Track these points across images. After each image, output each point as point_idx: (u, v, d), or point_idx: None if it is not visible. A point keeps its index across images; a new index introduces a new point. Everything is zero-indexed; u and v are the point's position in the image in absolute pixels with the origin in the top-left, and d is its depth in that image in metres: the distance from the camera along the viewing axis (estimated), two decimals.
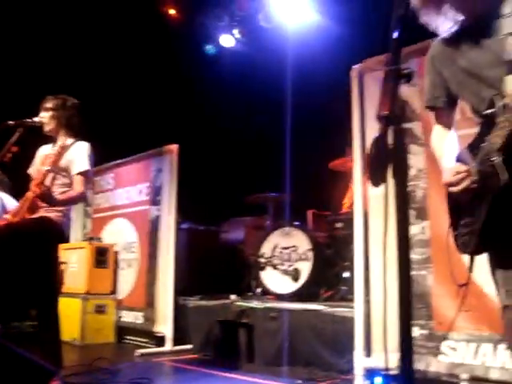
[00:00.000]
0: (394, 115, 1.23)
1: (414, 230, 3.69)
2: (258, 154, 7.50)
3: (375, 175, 1.22)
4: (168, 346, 5.31)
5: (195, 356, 5.06)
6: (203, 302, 5.45)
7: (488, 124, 1.95)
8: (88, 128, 3.75)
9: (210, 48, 7.74)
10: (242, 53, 7.54)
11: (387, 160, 1.22)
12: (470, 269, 2.08)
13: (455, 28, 2.14)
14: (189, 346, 5.27)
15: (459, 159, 2.11)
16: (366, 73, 4.12)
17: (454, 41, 2.14)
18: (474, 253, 2.08)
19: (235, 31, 7.60)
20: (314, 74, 6.45)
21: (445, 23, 2.12)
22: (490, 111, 1.93)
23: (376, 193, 3.74)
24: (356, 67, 4.21)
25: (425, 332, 3.60)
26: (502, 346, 3.21)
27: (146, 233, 6.01)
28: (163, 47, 7.28)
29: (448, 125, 2.30)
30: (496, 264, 2.07)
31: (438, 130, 2.33)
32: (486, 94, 2.01)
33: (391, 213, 1.29)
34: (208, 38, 7.78)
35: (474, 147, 2.05)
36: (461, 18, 2.10)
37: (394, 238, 1.30)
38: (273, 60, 6.80)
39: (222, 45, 7.77)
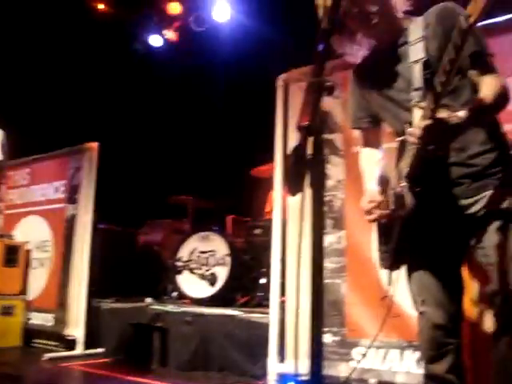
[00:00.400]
0: (314, 126, 1.26)
1: (331, 239, 3.78)
2: (181, 156, 7.44)
3: (293, 184, 1.24)
4: (79, 349, 5.14)
5: (106, 360, 4.92)
6: (118, 305, 5.32)
7: (403, 149, 2.02)
8: (4, 119, 3.58)
9: (138, 46, 7.58)
10: (170, 53, 7.46)
11: (305, 170, 1.24)
12: (389, 283, 2.20)
13: (372, 53, 2.21)
14: (100, 350, 5.13)
15: (379, 182, 2.22)
16: (292, 83, 4.19)
17: (372, 65, 2.22)
18: (391, 269, 2.21)
19: (165, 32, 7.51)
20: (241, 79, 6.49)
21: (359, 51, 2.19)
22: (401, 138, 2.02)
23: (294, 201, 3.81)
24: (282, 76, 4.27)
25: (337, 339, 3.69)
26: (408, 352, 3.35)
27: (61, 232, 5.82)
28: (89, 42, 7.08)
29: (374, 144, 2.37)
30: (415, 278, 2.16)
31: (363, 151, 2.40)
32: (405, 117, 2.06)
33: (307, 221, 1.31)
34: (137, 36, 7.64)
35: (395, 168, 2.13)
36: (377, 43, 2.17)
37: (309, 246, 1.32)
38: (201, 63, 6.78)
39: (151, 44, 7.65)
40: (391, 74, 2.11)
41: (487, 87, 1.80)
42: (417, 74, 1.98)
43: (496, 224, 1.91)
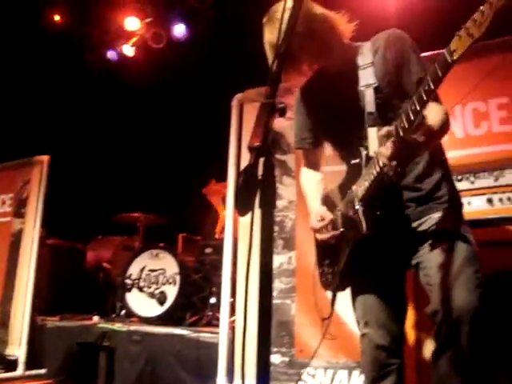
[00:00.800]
0: (265, 147, 1.27)
1: (282, 259, 3.80)
2: (134, 172, 7.35)
3: (243, 204, 1.24)
4: (20, 370, 4.95)
5: (49, 381, 4.75)
6: (63, 323, 5.16)
7: (355, 172, 2.07)
8: None
9: (92, 60, 7.46)
10: (126, 68, 7.38)
11: (255, 190, 1.25)
12: (333, 304, 2.24)
13: (319, 75, 2.25)
14: (43, 371, 4.95)
15: (324, 202, 2.26)
16: (247, 102, 4.23)
17: (319, 87, 2.26)
18: (335, 291, 2.24)
19: (122, 47, 7.43)
20: (198, 97, 6.50)
21: (303, 78, 2.27)
22: (356, 161, 2.06)
23: (246, 221, 3.82)
24: (237, 96, 4.30)
25: (286, 359, 3.69)
26: (356, 373, 3.38)
27: (7, 246, 5.63)
28: (42, 53, 6.95)
29: (315, 165, 2.43)
30: (358, 299, 2.21)
31: (305, 172, 2.44)
32: (344, 141, 2.19)
33: (257, 242, 1.32)
34: (93, 50, 7.54)
35: (342, 190, 2.19)
36: (322, 68, 2.22)
37: (258, 266, 1.33)
38: (157, 80, 6.75)
39: (108, 58, 7.55)
40: (339, 97, 2.15)
41: (434, 114, 1.86)
42: (368, 98, 2.04)
43: (439, 245, 1.97)
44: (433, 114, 1.84)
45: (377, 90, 2.04)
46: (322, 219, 2.15)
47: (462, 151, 3.41)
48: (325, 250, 2.23)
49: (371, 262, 2.09)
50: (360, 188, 2.00)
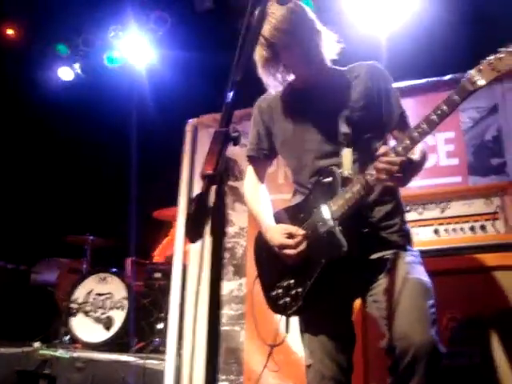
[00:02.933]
0: (218, 175, 1.27)
1: (232, 286, 3.79)
2: (82, 194, 7.20)
3: (193, 231, 1.23)
4: None
5: None
6: (1, 349, 4.94)
7: (322, 190, 2.06)
8: None
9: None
10: (79, 88, 7.27)
11: (206, 217, 1.24)
12: (287, 329, 2.13)
13: (290, 88, 2.26)
14: None
15: (279, 220, 2.20)
16: (201, 128, 4.23)
17: (288, 100, 2.25)
18: (293, 314, 2.12)
19: (76, 65, 7.32)
20: (151, 121, 6.45)
21: (279, 85, 2.23)
22: (328, 179, 2.05)
23: (195, 247, 3.78)
24: (191, 121, 4.30)
25: None
26: None
27: None
28: None
29: (262, 177, 2.39)
30: (306, 328, 2.18)
31: (254, 184, 2.37)
32: (308, 159, 2.15)
33: (206, 268, 1.30)
34: (45, 67, 7.39)
35: (300, 209, 2.14)
36: (295, 80, 2.24)
37: (207, 293, 1.31)
38: (111, 101, 6.67)
39: (60, 77, 7.41)
40: (311, 114, 2.16)
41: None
42: (343, 119, 2.08)
43: (394, 277, 1.96)
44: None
45: (352, 111, 2.09)
46: (291, 236, 2.06)
47: (411, 183, 3.50)
48: (282, 271, 2.12)
49: (328, 287, 2.05)
50: (335, 207, 1.98)
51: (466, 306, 2.65)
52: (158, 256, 5.85)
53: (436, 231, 3.04)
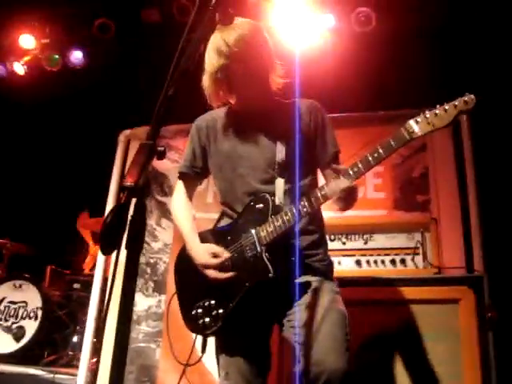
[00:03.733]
0: (139, 188, 1.24)
1: (151, 302, 3.72)
2: (4, 198, 6.88)
3: (108, 243, 1.20)
4: None
5: None
6: None
7: (253, 215, 2.10)
8: None
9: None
10: (16, 87, 7.00)
11: (123, 230, 1.21)
12: (203, 349, 2.13)
13: (231, 111, 2.31)
14: None
15: (204, 239, 2.20)
16: (134, 139, 4.17)
17: (227, 123, 2.28)
18: (211, 335, 2.12)
19: (14, 64, 7.05)
20: (85, 128, 6.29)
21: (221, 105, 2.29)
22: (260, 206, 2.08)
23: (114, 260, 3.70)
24: (124, 132, 4.24)
25: None
26: None
27: None
28: None
29: (191, 195, 2.39)
30: (222, 349, 2.15)
31: (181, 198, 2.36)
32: (239, 183, 2.17)
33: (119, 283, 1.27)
34: None
35: (228, 232, 2.16)
36: (238, 103, 2.27)
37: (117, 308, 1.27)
38: (45, 104, 6.47)
39: None
40: (248, 141, 2.20)
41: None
42: (280, 149, 2.14)
43: (312, 304, 2.00)
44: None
45: (289, 143, 2.14)
46: (216, 256, 2.08)
47: (338, 212, 3.57)
48: (202, 291, 2.12)
49: (249, 310, 2.06)
50: (264, 233, 2.03)
51: (379, 334, 2.71)
52: (91, 269, 5.66)
53: (358, 262, 3.11)
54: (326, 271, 2.15)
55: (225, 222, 2.27)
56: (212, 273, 2.06)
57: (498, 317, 2.68)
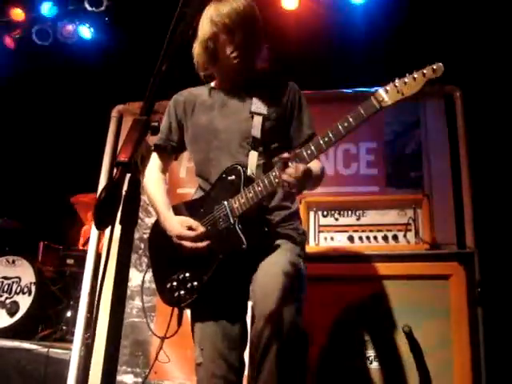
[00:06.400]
0: (133, 163, 1.24)
1: (145, 277, 3.72)
2: None
3: (102, 218, 1.20)
4: None
5: None
6: None
7: (225, 188, 2.10)
8: None
9: None
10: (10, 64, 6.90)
11: (117, 206, 1.21)
12: (179, 322, 2.14)
13: (211, 86, 2.35)
14: None
15: (178, 212, 2.21)
16: (127, 115, 4.15)
17: (206, 97, 2.32)
18: (187, 307, 2.15)
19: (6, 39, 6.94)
20: (78, 103, 6.23)
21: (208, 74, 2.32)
22: (232, 177, 2.09)
23: (107, 235, 3.71)
24: (117, 107, 4.21)
25: (139, 380, 3.60)
26: None
27: None
28: None
29: (165, 169, 2.40)
30: (197, 323, 2.16)
31: (154, 171, 2.36)
32: (215, 155, 2.20)
33: (114, 258, 1.27)
34: None
35: (201, 204, 2.18)
36: (220, 78, 2.32)
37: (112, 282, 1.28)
38: (36, 79, 6.39)
39: None
40: (223, 111, 2.24)
41: (313, 164, 2.00)
42: (256, 124, 2.16)
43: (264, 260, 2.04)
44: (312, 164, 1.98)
45: (265, 119, 2.17)
46: (191, 228, 2.09)
47: (330, 188, 3.59)
48: (176, 264, 2.13)
49: (224, 282, 2.08)
50: (236, 204, 2.03)
51: (373, 311, 2.75)
52: (84, 245, 5.67)
53: (350, 238, 3.13)
54: (297, 238, 2.17)
55: (198, 194, 2.29)
56: (187, 243, 2.07)
57: (488, 293, 2.72)
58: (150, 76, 1.44)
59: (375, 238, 3.10)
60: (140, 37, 5.29)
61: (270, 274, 1.99)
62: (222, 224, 2.06)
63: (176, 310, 2.15)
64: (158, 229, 2.24)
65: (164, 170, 2.39)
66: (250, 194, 2.00)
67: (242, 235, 2.00)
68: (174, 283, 2.12)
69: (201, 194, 2.26)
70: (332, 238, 3.13)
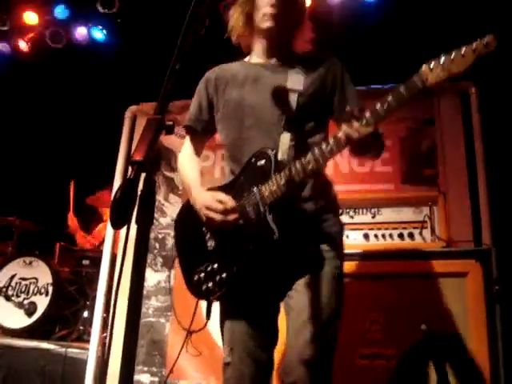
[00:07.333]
0: (148, 162, 1.24)
1: (160, 277, 3.76)
2: (15, 175, 6.92)
3: (117, 217, 1.20)
4: None
5: None
6: None
7: (256, 172, 1.96)
8: None
9: None
10: (21, 65, 6.96)
11: (133, 205, 1.21)
12: (208, 316, 2.00)
13: (244, 62, 2.23)
14: None
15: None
16: (140, 115, 4.16)
17: (238, 73, 2.17)
18: (216, 300, 2.01)
19: (16, 40, 7.00)
20: (92, 105, 6.28)
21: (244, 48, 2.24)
22: (263, 162, 1.94)
23: (123, 235, 3.72)
24: (131, 108, 4.23)
25: (155, 379, 3.61)
26: None
27: None
28: None
29: (198, 151, 2.29)
30: (227, 320, 2.05)
31: (188, 152, 2.28)
32: (247, 135, 2.05)
33: (130, 258, 1.27)
34: None
35: (229, 192, 2.01)
36: (253, 54, 2.21)
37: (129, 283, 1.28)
38: (51, 80, 6.44)
39: None
40: (258, 88, 2.09)
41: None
42: (291, 102, 2.01)
43: (306, 283, 1.91)
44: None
45: (300, 96, 2.02)
46: (222, 202, 1.94)
47: (345, 186, 3.58)
48: (205, 255, 2.00)
49: (255, 277, 1.94)
50: (267, 192, 1.88)
51: (388, 309, 2.73)
52: (92, 239, 5.71)
53: (366, 236, 3.11)
54: (335, 236, 2.04)
55: (228, 179, 2.13)
56: (216, 216, 1.94)
57: (506, 290, 2.69)
58: (163, 76, 1.44)
59: (391, 235, 3.09)
60: (152, 37, 5.30)
61: (309, 311, 1.86)
62: (252, 213, 1.91)
63: (200, 303, 2.06)
64: (186, 211, 2.13)
65: (197, 152, 2.28)
66: (282, 181, 1.85)
67: (273, 225, 1.83)
68: (202, 275, 1.99)
69: (231, 178, 2.11)
70: (347, 236, 3.11)
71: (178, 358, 2.34)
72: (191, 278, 2.04)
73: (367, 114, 1.70)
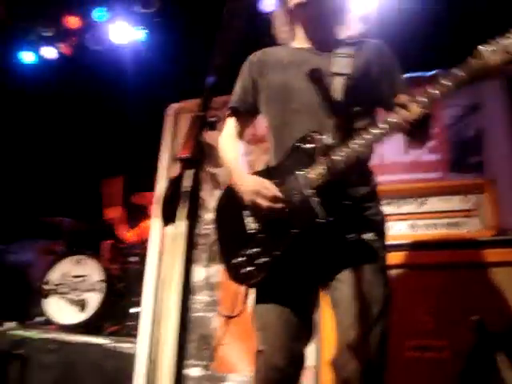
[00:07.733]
0: (194, 159, 1.26)
1: (207, 272, 3.79)
2: (60, 176, 7.11)
3: (166, 214, 1.22)
4: None
5: None
6: None
7: (300, 156, 1.93)
8: None
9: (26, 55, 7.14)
10: (63, 68, 7.13)
11: (180, 202, 1.23)
12: (245, 300, 1.98)
13: (288, 45, 2.21)
14: None
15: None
16: (182, 113, 4.20)
17: (283, 56, 2.15)
18: (255, 286, 1.98)
19: (60, 45, 7.17)
20: (134, 104, 6.37)
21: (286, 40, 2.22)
22: (308, 146, 1.91)
23: (171, 232, 3.77)
24: (173, 106, 4.27)
25: (206, 373, 3.66)
26: None
27: None
28: None
29: (240, 133, 2.26)
30: (260, 302, 2.00)
31: (230, 134, 2.24)
32: (291, 118, 2.02)
33: (179, 254, 1.30)
34: (27, 45, 7.23)
35: (273, 175, 1.99)
36: (297, 39, 2.19)
37: (179, 278, 1.31)
38: (93, 82, 6.57)
39: (43, 56, 7.24)
40: (301, 70, 2.05)
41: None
42: (337, 86, 1.97)
43: (350, 279, 1.86)
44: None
45: (347, 80, 1.98)
46: (267, 188, 1.91)
47: (390, 176, 3.53)
48: (245, 239, 1.96)
49: (297, 263, 1.91)
50: (313, 176, 1.86)
51: (439, 300, 2.69)
52: (132, 235, 5.81)
53: (412, 226, 3.07)
54: (380, 225, 2.00)
55: (271, 164, 2.10)
56: (264, 202, 1.90)
57: None
58: (204, 73, 1.45)
59: (438, 225, 3.03)
60: (192, 35, 5.34)
61: (359, 305, 1.82)
62: (296, 196, 1.87)
63: (240, 289, 2.01)
64: (229, 194, 2.08)
65: (240, 135, 2.24)
66: (327, 166, 1.82)
67: (318, 209, 1.80)
68: (242, 258, 1.94)
69: (273, 163, 2.07)
70: (393, 227, 3.07)
71: (219, 344, 2.30)
72: (230, 261, 2.00)
73: (423, 96, 1.67)
